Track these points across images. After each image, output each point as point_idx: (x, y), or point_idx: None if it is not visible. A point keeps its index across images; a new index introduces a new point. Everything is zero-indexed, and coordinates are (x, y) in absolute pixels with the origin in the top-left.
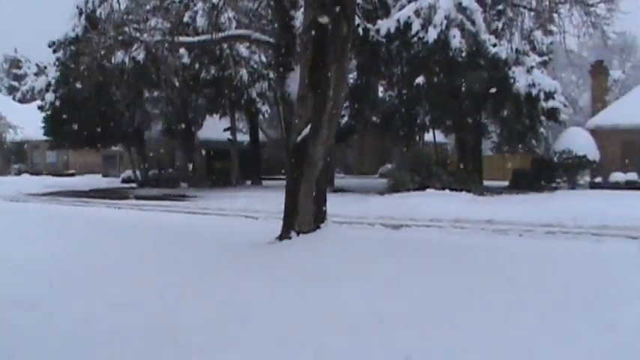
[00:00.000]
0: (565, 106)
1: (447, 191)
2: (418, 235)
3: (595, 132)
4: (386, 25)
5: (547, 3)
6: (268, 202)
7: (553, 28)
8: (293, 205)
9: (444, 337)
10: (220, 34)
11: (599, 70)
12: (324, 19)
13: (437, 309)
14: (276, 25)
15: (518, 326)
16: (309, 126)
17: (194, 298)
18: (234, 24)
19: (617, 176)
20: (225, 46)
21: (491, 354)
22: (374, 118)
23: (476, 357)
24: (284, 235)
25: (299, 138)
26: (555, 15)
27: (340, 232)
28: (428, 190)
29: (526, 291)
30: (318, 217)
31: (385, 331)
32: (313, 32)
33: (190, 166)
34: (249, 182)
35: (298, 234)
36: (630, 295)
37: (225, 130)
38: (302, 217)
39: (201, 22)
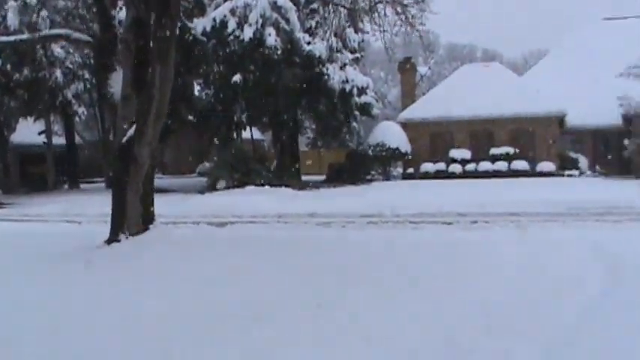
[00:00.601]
0: (377, 101)
1: (268, 187)
2: (245, 232)
3: (406, 125)
4: (202, 23)
5: (366, 2)
6: (88, 205)
7: (365, 26)
8: (120, 207)
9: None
10: (39, 34)
11: (407, 66)
12: (146, 18)
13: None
14: (95, 25)
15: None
16: (134, 127)
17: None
18: (48, 23)
19: (427, 167)
20: (39, 46)
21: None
22: (190, 117)
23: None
24: (112, 239)
25: (124, 139)
26: (369, 14)
27: (169, 232)
28: (248, 187)
29: (355, 279)
30: (147, 219)
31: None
32: (136, 31)
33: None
34: (66, 186)
35: (127, 236)
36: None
37: (40, 133)
38: (130, 219)
39: (12, 21)
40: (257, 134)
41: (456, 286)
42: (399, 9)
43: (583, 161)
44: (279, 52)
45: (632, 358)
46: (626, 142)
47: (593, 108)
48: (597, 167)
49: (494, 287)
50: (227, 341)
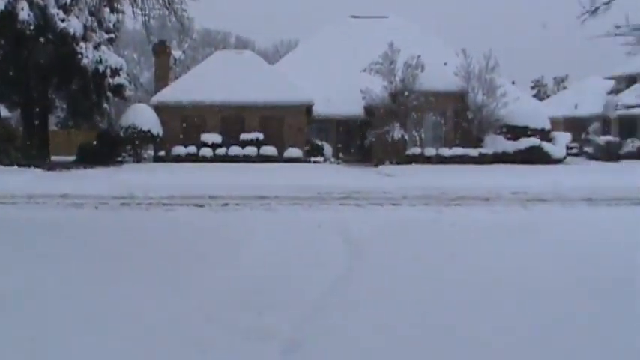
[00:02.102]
0: (130, 83)
1: (16, 167)
2: None
3: (158, 108)
4: None
5: None
6: None
7: (123, 5)
8: None
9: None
10: None
11: (161, 49)
12: None
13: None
14: None
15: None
16: None
17: None
18: None
19: (179, 150)
20: None
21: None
22: None
23: None
24: None
25: None
26: None
27: None
28: None
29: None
30: None
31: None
32: None
33: None
34: None
35: None
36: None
37: None
38: None
39: None
40: (4, 112)
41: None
42: None
43: (328, 149)
44: (32, 27)
45: (375, 319)
46: (367, 132)
47: (338, 99)
48: (340, 155)
49: (255, 264)
50: None
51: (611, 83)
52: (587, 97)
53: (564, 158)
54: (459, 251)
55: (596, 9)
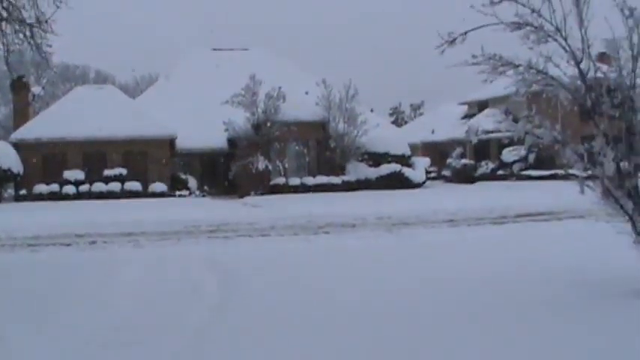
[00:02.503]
0: None
1: None
2: None
3: (18, 146)
4: None
5: None
6: None
7: None
8: None
9: None
10: None
11: (20, 85)
12: None
13: None
14: None
15: None
16: None
17: None
18: None
19: (41, 188)
20: None
21: None
22: None
23: None
24: None
25: None
26: None
27: None
28: None
29: None
30: None
31: None
32: None
33: None
34: None
35: None
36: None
37: None
38: None
39: None
40: None
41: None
42: (18, 26)
43: (192, 182)
44: None
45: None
46: (231, 164)
47: (201, 132)
48: (205, 187)
49: (124, 298)
50: None
51: (465, 108)
52: (443, 123)
53: (424, 182)
54: (329, 278)
55: (454, 40)
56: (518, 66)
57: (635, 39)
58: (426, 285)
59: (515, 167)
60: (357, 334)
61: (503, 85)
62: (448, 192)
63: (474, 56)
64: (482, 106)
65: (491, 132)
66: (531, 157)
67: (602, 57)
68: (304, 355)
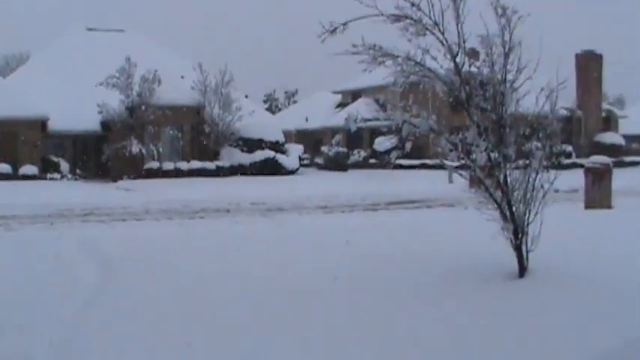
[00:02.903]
0: None
1: None
2: None
3: None
4: None
5: None
6: None
7: None
8: None
9: None
10: None
11: None
12: None
13: None
14: None
15: None
16: None
17: None
18: None
19: None
20: None
21: None
22: None
23: None
24: None
25: None
26: None
27: None
28: None
29: None
30: None
31: None
32: None
33: None
34: None
35: None
36: None
37: None
38: None
39: None
40: None
41: None
42: None
43: (65, 165)
44: None
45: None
46: (104, 147)
47: (74, 114)
48: (78, 171)
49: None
50: None
51: (339, 97)
52: (317, 111)
53: (297, 169)
54: (207, 262)
55: (335, 29)
56: (397, 57)
57: (506, 36)
58: (304, 268)
59: (393, 155)
60: (237, 316)
61: (376, 75)
62: (321, 179)
63: (354, 46)
64: (356, 95)
65: (370, 120)
66: (408, 146)
67: (472, 53)
68: (183, 342)
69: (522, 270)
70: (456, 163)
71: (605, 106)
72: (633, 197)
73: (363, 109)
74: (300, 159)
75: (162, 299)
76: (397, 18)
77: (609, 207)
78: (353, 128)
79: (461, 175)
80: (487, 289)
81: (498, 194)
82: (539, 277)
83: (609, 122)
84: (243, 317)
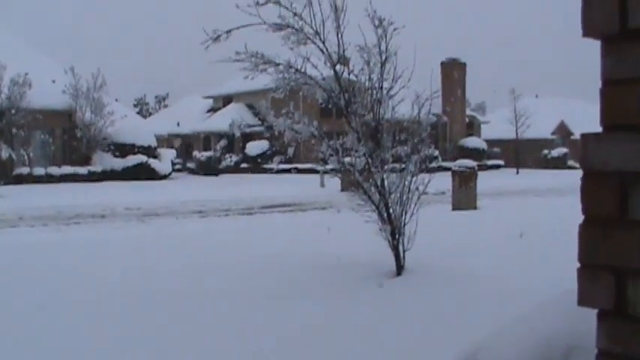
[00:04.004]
0: None
1: None
2: None
3: None
4: None
5: None
6: None
7: None
8: None
9: None
10: None
11: None
12: None
13: None
14: None
15: None
16: None
17: None
18: None
19: None
20: None
21: None
22: None
23: None
24: None
25: None
26: None
27: None
28: None
29: None
30: None
31: None
32: None
33: None
34: None
35: None
36: None
37: None
38: None
39: None
40: None
41: None
42: None
43: None
44: None
45: None
46: None
47: None
48: None
49: None
50: None
51: (210, 102)
52: (188, 115)
53: (170, 174)
54: (88, 266)
55: (218, 37)
56: (278, 64)
57: (382, 46)
58: (188, 270)
59: (276, 160)
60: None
61: (247, 81)
62: (194, 184)
63: (237, 53)
64: (227, 100)
65: (253, 126)
66: (290, 151)
67: (344, 59)
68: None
69: (400, 268)
70: (329, 167)
71: (468, 112)
72: (496, 198)
73: (234, 114)
74: (173, 164)
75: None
76: (279, 27)
77: (475, 208)
78: (237, 133)
79: (339, 177)
80: (367, 287)
81: (376, 197)
82: (416, 275)
83: (472, 127)
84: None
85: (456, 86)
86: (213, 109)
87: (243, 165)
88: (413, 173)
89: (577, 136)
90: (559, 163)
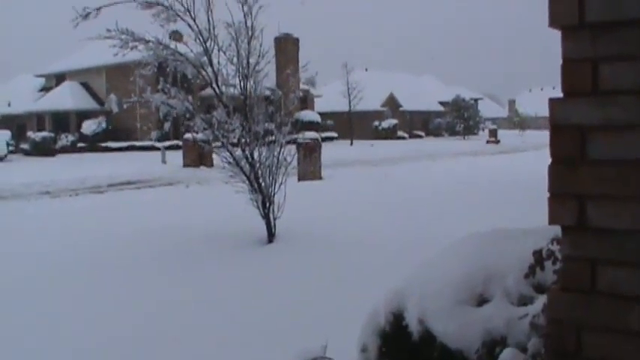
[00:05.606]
0: None
1: None
2: None
3: None
4: None
5: None
6: None
7: None
8: None
9: None
10: None
11: None
12: None
13: None
14: None
15: None
16: None
17: None
18: None
19: None
20: None
21: None
22: None
23: None
24: None
25: None
26: None
27: None
28: None
29: None
30: None
31: None
32: None
33: None
34: None
35: None
36: None
37: None
38: None
39: None
40: None
41: None
42: None
43: None
44: None
45: None
46: None
47: None
48: None
49: None
50: None
51: (42, 81)
52: (20, 95)
53: (6, 155)
54: None
55: (88, 14)
56: (148, 42)
57: (249, 23)
58: (69, 249)
59: (153, 136)
60: None
61: (81, 57)
62: (33, 165)
63: (108, 30)
64: (60, 78)
65: (131, 101)
66: (167, 126)
67: (176, 35)
68: None
69: (271, 236)
70: (167, 144)
71: (301, 86)
72: (336, 169)
73: (68, 93)
74: (8, 145)
75: None
76: (149, 4)
77: (320, 178)
78: (115, 110)
79: (216, 151)
80: (240, 254)
81: (247, 168)
82: (284, 240)
83: (306, 101)
84: None
85: (289, 61)
86: (45, 89)
87: (80, 144)
88: (282, 144)
89: (405, 107)
90: (390, 134)
